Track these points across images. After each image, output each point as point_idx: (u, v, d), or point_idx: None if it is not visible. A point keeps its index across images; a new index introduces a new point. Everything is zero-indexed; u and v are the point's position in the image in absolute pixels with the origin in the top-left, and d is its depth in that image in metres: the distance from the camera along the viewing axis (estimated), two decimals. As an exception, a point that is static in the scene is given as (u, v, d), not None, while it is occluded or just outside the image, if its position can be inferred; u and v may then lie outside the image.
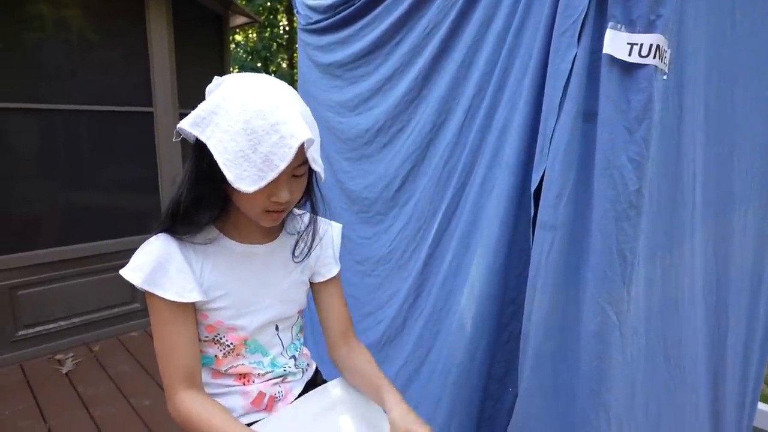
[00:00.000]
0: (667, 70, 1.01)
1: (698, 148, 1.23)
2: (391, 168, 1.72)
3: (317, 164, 0.81)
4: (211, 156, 0.77)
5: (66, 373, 2.54)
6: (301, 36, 2.26)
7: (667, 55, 1.00)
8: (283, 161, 0.75)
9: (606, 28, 0.97)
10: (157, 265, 0.84)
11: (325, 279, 1.06)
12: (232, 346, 0.94)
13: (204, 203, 0.85)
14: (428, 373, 1.52)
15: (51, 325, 2.73)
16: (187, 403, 0.84)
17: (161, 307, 0.85)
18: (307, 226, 1.01)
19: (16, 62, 2.51)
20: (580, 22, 1.02)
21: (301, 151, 0.78)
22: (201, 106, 0.79)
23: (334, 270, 1.07)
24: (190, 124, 0.79)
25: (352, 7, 1.82)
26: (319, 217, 1.03)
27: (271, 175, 0.75)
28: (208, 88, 0.84)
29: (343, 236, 1.11)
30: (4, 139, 2.52)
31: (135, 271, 0.83)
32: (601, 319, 1.06)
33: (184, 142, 0.86)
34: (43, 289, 2.69)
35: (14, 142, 2.57)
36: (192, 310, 0.89)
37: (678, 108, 1.09)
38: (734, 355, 1.53)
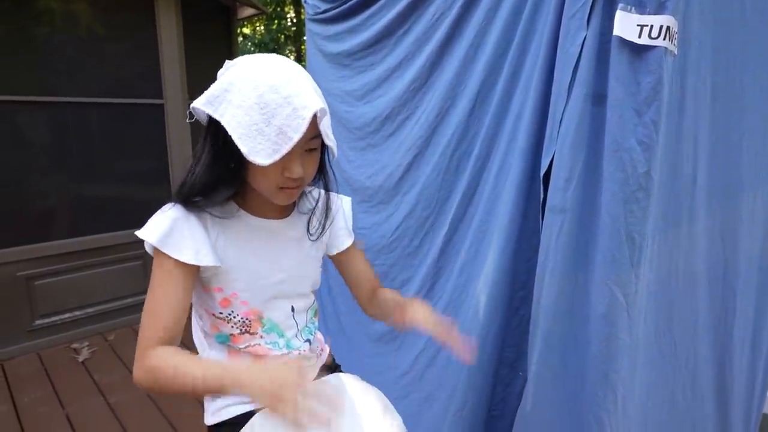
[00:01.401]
0: (676, 52, 1.01)
1: (702, 131, 1.23)
2: (395, 157, 1.73)
3: (330, 139, 0.82)
4: (225, 135, 0.78)
5: (82, 362, 2.59)
6: (309, 26, 2.26)
7: (676, 36, 0.99)
8: (296, 132, 0.76)
9: (616, 10, 0.97)
10: (173, 226, 0.84)
11: (340, 250, 1.08)
12: (248, 323, 0.95)
13: (221, 183, 0.85)
14: (446, 358, 1.54)
15: (67, 315, 2.78)
16: (158, 352, 0.81)
17: (169, 267, 0.84)
18: (317, 201, 1.02)
19: (27, 56, 2.54)
20: (590, 4, 1.02)
21: (314, 123, 0.79)
22: (214, 86, 0.81)
23: (347, 241, 1.09)
24: (203, 103, 0.80)
25: (360, -4, 1.82)
26: (328, 193, 1.03)
27: (286, 147, 0.76)
28: (219, 72, 0.85)
29: None
30: (17, 132, 2.56)
31: (151, 231, 0.83)
32: (609, 302, 1.07)
33: (195, 132, 0.87)
34: (59, 280, 2.74)
35: (27, 135, 2.61)
36: (195, 277, 0.88)
37: (680, 90, 1.09)
38: (742, 342, 1.53)
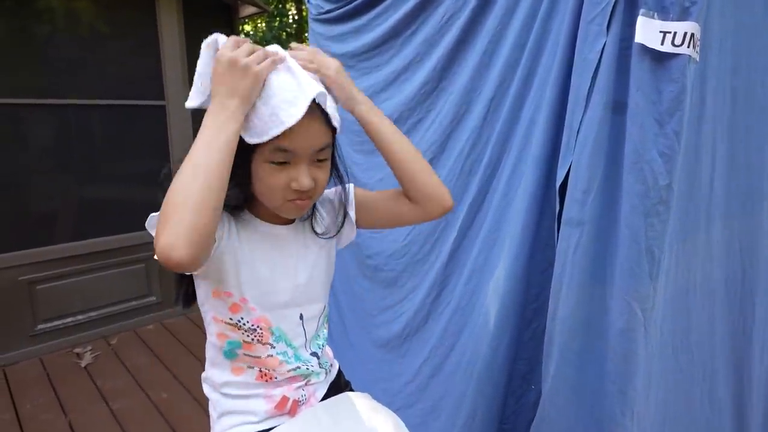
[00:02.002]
0: (698, 59, 0.97)
1: (719, 139, 1.19)
2: (407, 161, 1.69)
3: (335, 119, 0.80)
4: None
5: (85, 367, 2.57)
6: (313, 26, 2.22)
7: (699, 43, 0.95)
8: (290, 119, 0.74)
9: (637, 15, 0.93)
10: None
11: (351, 240, 1.02)
12: (259, 332, 0.91)
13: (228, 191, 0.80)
14: (452, 368, 1.51)
15: (69, 319, 2.76)
16: None
17: None
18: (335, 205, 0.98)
19: (28, 57, 2.51)
20: (610, 8, 0.98)
21: (320, 134, 0.78)
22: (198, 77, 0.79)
23: (353, 231, 1.01)
24: (195, 97, 0.79)
25: (365, -4, 1.78)
26: (326, 190, 0.97)
27: (275, 131, 0.74)
28: (205, 43, 0.80)
29: None
30: (19, 135, 2.53)
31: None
32: (628, 317, 1.04)
33: (197, 132, 0.83)
34: (61, 284, 2.71)
35: (29, 138, 2.58)
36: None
37: (700, 98, 1.05)
38: (761, 352, 1.49)
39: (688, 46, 0.91)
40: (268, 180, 0.78)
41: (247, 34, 9.20)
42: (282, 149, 0.77)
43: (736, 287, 1.38)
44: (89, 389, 2.37)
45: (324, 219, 1.00)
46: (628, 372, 1.06)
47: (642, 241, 1.00)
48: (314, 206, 0.98)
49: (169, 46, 2.89)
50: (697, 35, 0.92)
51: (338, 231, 0.97)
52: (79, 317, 2.80)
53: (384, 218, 1.01)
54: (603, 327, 1.09)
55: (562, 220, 1.10)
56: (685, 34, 0.90)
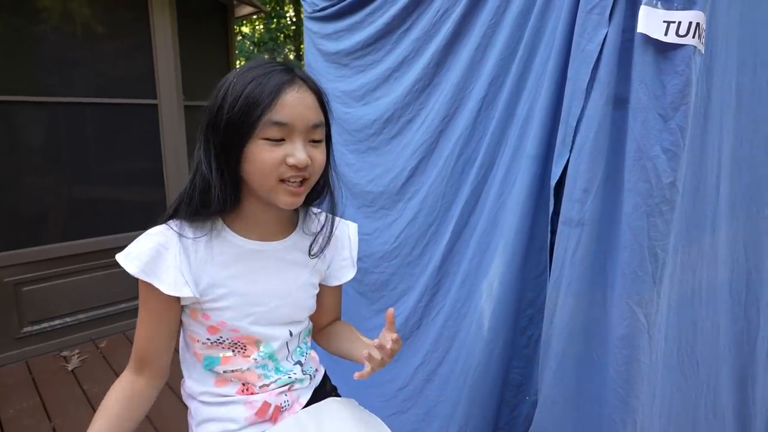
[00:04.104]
0: (703, 51, 0.93)
1: (726, 135, 1.15)
2: (399, 160, 1.64)
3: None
4: (223, 134, 0.76)
5: (72, 371, 2.50)
6: (307, 24, 2.18)
7: (704, 33, 0.91)
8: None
9: (640, 4, 0.88)
10: (155, 254, 0.80)
11: (340, 283, 1.01)
12: (242, 346, 0.89)
13: (215, 189, 0.78)
14: (447, 374, 1.45)
15: (56, 322, 2.69)
16: (120, 381, 0.86)
17: (151, 297, 0.82)
18: (323, 225, 0.95)
19: (19, 55, 2.45)
20: (611, -2, 0.93)
21: (314, 110, 0.79)
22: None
23: (350, 273, 1.01)
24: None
25: (359, -8, 1.74)
26: (335, 217, 0.97)
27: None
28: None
29: None
30: (7, 133, 2.48)
31: (132, 260, 0.80)
32: (629, 323, 0.99)
33: (190, 132, 0.82)
34: (48, 285, 2.65)
35: (17, 136, 2.52)
36: (178, 307, 0.86)
37: (706, 92, 1.01)
38: (766, 357, 1.44)
39: (693, 37, 0.86)
40: (263, 156, 0.76)
41: (244, 36, 9.17)
42: (277, 122, 0.75)
43: (740, 290, 1.33)
44: (76, 394, 2.30)
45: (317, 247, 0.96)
46: (630, 380, 1.01)
47: (645, 243, 0.95)
48: (320, 231, 0.94)
49: (162, 45, 2.84)
50: (703, 25, 0.87)
51: (317, 256, 0.94)
52: (67, 320, 2.73)
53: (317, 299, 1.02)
54: (603, 333, 1.04)
55: (561, 220, 1.05)
56: (690, 23, 0.85)
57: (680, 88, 0.88)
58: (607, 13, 0.93)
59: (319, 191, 0.90)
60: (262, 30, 9.39)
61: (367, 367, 0.83)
